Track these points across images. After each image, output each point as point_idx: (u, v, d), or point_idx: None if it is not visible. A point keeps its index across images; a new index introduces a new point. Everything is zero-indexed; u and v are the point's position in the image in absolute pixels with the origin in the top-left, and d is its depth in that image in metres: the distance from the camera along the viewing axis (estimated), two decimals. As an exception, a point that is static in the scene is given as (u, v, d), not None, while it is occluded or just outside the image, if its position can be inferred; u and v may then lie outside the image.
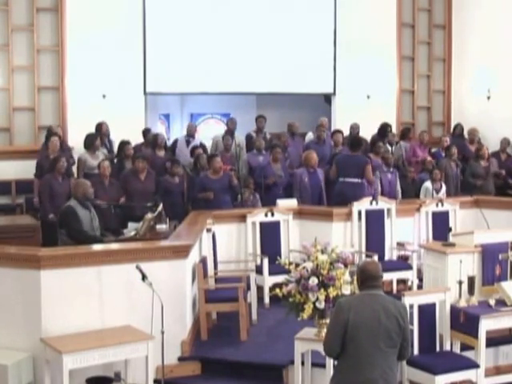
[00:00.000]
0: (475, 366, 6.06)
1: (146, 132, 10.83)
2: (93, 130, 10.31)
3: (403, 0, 13.22)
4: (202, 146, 11.03)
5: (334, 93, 12.85)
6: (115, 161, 10.20)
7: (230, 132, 11.07)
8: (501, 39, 12.26)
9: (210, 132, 13.89)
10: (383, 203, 8.76)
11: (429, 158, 11.00)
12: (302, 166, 9.70)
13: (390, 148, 10.91)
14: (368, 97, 12.81)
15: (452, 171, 10.53)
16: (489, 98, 12.45)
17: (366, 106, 12.68)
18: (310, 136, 11.63)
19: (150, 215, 7.87)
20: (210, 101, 14.31)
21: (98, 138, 9.98)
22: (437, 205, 9.17)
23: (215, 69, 12.02)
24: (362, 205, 8.67)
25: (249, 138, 11.29)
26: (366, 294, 4.53)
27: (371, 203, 8.69)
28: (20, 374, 5.77)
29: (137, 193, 9.02)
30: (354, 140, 9.82)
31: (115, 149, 10.53)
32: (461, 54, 13.32)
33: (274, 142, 10.56)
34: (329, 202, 9.49)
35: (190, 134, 11.21)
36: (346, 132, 11.40)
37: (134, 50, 11.49)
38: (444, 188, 10.08)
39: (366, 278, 4.54)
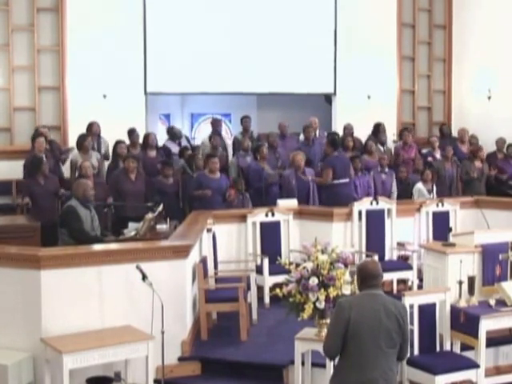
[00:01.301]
0: (475, 366, 6.05)
1: (130, 133, 10.52)
2: (91, 130, 10.33)
3: (403, 0, 13.22)
4: (190, 144, 10.98)
5: (335, 93, 12.86)
6: (105, 162, 10.17)
7: (216, 132, 11.01)
8: (501, 39, 12.26)
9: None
10: (383, 203, 8.75)
11: (430, 159, 10.96)
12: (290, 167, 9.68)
13: (381, 148, 10.89)
14: (369, 97, 12.81)
15: (446, 172, 10.50)
16: (490, 97, 12.45)
17: (367, 105, 12.68)
18: (302, 137, 11.61)
19: (150, 215, 7.86)
20: (211, 101, 14.31)
21: (88, 138, 9.91)
22: (437, 205, 9.16)
23: (216, 69, 12.02)
24: (363, 205, 8.67)
25: (237, 140, 11.15)
26: (366, 293, 4.52)
27: (371, 203, 8.69)
28: (20, 374, 5.77)
29: (127, 193, 8.95)
30: (334, 140, 9.87)
31: (108, 149, 10.51)
32: (461, 54, 13.33)
33: (259, 143, 10.44)
34: (321, 204, 9.46)
35: (174, 138, 11.10)
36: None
37: (135, 50, 11.50)
38: (434, 189, 10.01)
39: (366, 277, 4.53)
